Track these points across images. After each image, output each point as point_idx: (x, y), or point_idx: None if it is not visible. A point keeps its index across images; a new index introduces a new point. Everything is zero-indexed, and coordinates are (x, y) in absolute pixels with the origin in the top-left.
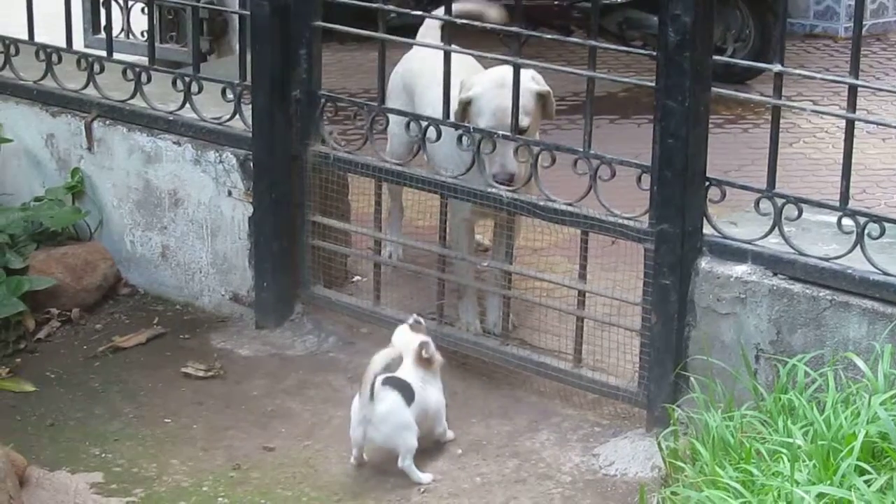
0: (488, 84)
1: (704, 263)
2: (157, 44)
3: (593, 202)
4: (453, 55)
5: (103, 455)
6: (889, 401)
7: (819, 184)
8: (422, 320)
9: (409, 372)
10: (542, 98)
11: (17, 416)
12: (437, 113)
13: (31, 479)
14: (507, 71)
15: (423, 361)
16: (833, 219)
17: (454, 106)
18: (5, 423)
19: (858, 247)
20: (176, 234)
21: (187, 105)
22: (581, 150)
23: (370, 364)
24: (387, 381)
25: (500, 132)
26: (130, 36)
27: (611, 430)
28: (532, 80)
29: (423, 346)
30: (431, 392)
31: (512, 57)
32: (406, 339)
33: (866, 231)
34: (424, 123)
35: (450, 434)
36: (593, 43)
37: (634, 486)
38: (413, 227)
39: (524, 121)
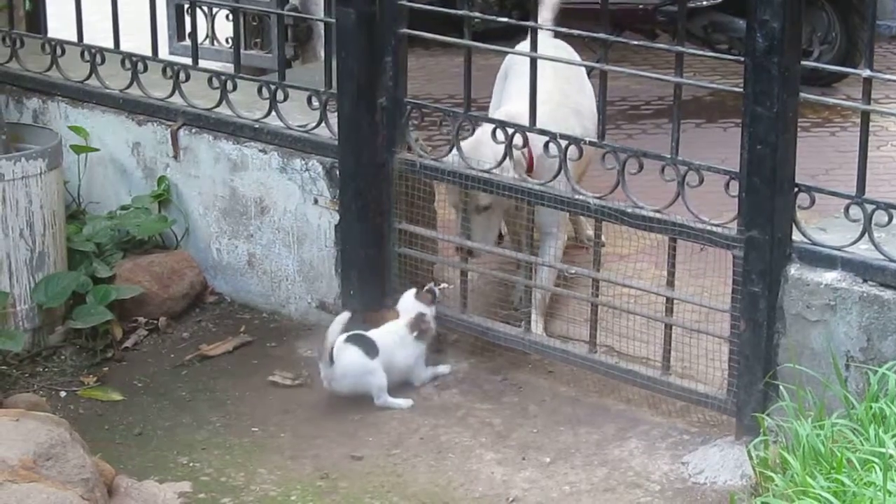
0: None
1: (794, 270)
2: (241, 50)
3: (680, 208)
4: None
5: (191, 464)
6: None
7: None
8: (436, 290)
9: (390, 331)
10: None
11: (105, 426)
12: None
13: (119, 488)
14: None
15: (419, 331)
16: None
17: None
18: (94, 433)
19: None
20: (262, 242)
21: (273, 113)
22: (668, 156)
23: (328, 332)
24: (349, 339)
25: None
26: (215, 43)
27: (700, 437)
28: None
29: (420, 316)
30: (401, 352)
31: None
32: (407, 305)
33: None
34: (511, 130)
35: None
36: (680, 48)
37: (724, 494)
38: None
39: None
